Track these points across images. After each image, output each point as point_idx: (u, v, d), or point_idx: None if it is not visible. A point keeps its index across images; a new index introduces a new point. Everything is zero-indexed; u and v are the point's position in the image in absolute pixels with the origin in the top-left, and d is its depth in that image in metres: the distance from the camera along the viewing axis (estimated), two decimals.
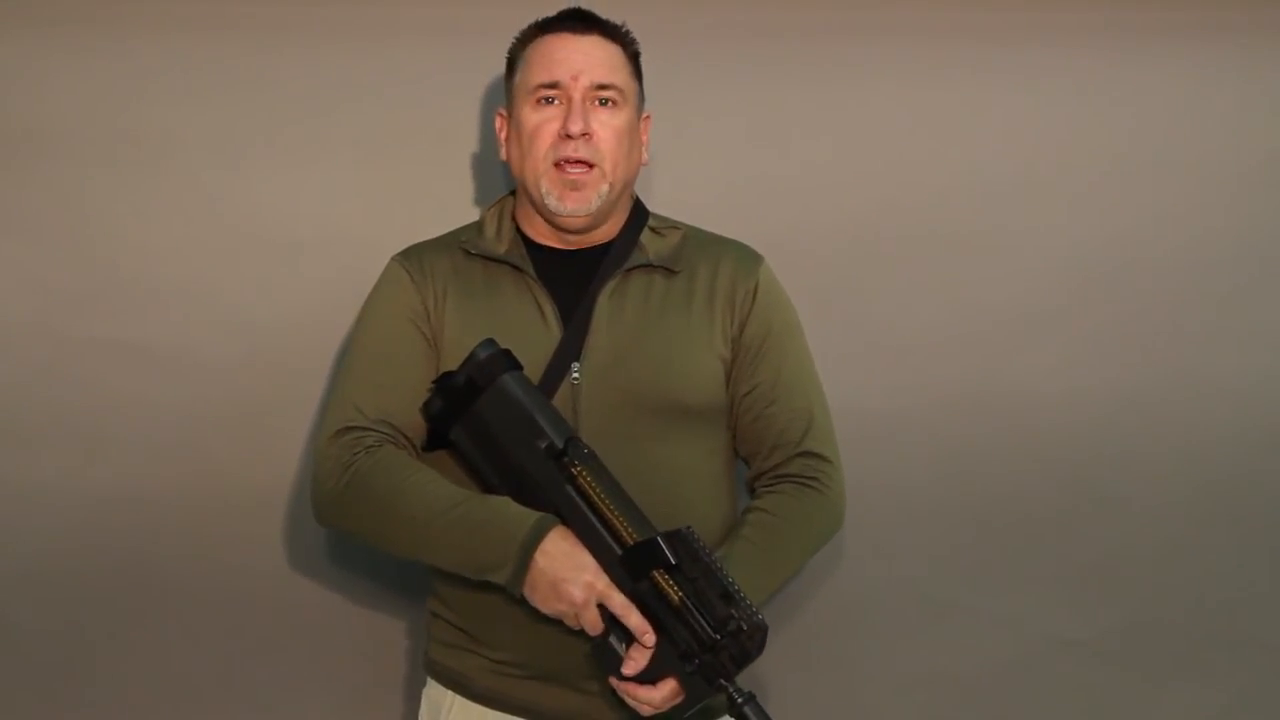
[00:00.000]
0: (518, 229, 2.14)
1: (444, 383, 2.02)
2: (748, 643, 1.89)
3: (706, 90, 2.45)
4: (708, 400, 2.08)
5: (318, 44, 2.42)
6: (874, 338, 2.50)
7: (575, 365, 2.04)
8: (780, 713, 2.39)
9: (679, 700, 1.92)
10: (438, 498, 1.98)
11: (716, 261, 2.14)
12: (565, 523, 1.94)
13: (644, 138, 2.15)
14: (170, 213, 2.39)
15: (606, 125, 2.06)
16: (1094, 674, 2.57)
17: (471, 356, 1.99)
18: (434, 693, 2.12)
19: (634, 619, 1.91)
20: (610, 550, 1.92)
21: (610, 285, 2.08)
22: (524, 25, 2.14)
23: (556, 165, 2.05)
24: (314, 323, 2.39)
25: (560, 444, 1.94)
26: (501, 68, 2.16)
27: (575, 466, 1.93)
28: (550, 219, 2.09)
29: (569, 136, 2.04)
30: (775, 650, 2.46)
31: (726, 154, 2.48)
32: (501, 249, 2.11)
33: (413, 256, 2.14)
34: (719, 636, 1.88)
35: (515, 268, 2.09)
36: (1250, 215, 2.57)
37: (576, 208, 2.06)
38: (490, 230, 2.14)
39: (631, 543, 1.90)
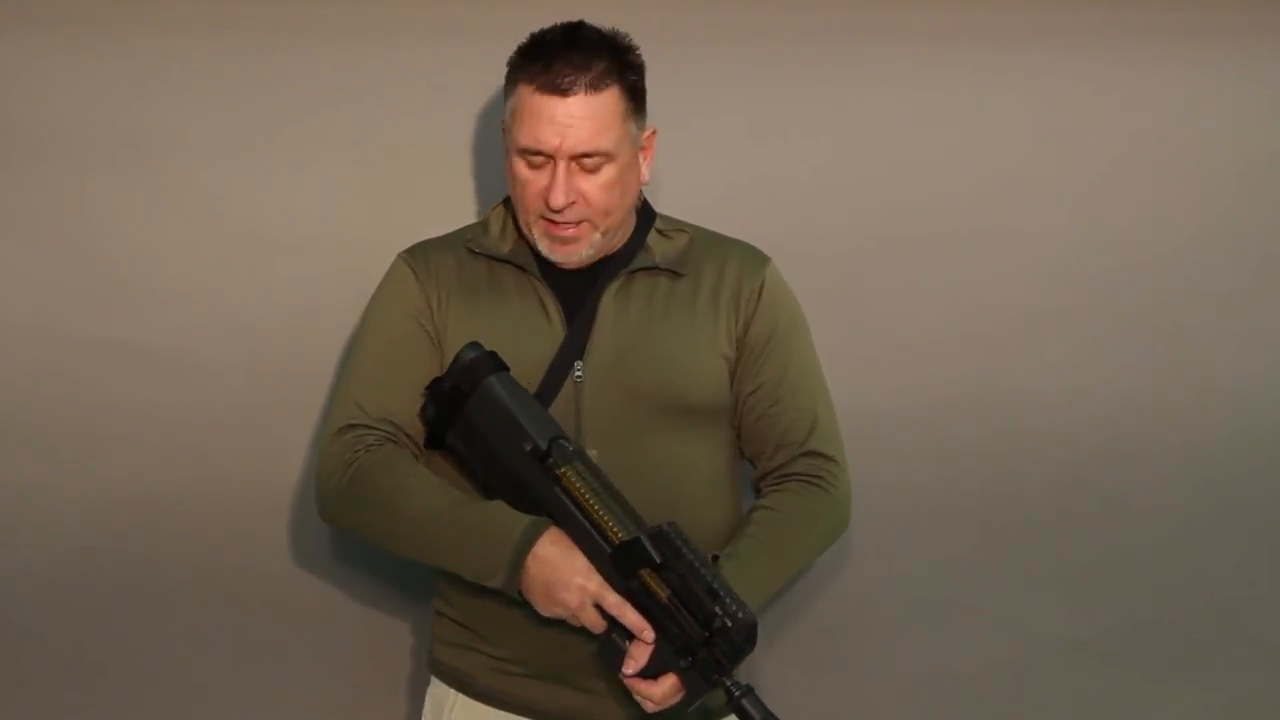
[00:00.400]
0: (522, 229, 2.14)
1: (434, 389, 2.02)
2: (736, 638, 1.88)
3: (706, 91, 2.45)
4: (711, 399, 2.08)
5: (318, 44, 2.41)
6: (874, 338, 2.50)
7: (578, 364, 2.04)
8: (780, 712, 2.39)
9: (680, 696, 1.92)
10: (433, 501, 1.98)
11: (723, 262, 2.13)
12: (558, 524, 1.94)
13: (647, 155, 2.12)
14: (170, 213, 2.39)
15: (593, 184, 2.03)
16: (1094, 674, 2.57)
17: (457, 360, 2.00)
18: (437, 691, 2.12)
19: (630, 617, 1.91)
20: (601, 550, 1.92)
21: (615, 286, 2.08)
22: (525, 26, 2.09)
23: (544, 219, 2.05)
24: (314, 323, 2.38)
25: (544, 445, 1.94)
26: (501, 69, 2.15)
27: (559, 468, 1.93)
28: None
29: (552, 208, 2.02)
30: (775, 649, 2.48)
31: (726, 154, 2.48)
32: (506, 248, 2.11)
33: (418, 254, 2.13)
34: (708, 633, 1.88)
35: (520, 267, 2.09)
36: (1250, 215, 2.57)
37: (567, 258, 2.06)
38: (495, 229, 2.14)
39: (617, 543, 1.91)
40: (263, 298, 2.40)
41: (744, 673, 2.15)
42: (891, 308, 2.51)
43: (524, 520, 1.95)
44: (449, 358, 2.06)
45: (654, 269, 2.10)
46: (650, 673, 1.92)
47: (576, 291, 2.08)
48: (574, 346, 2.05)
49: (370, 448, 2.03)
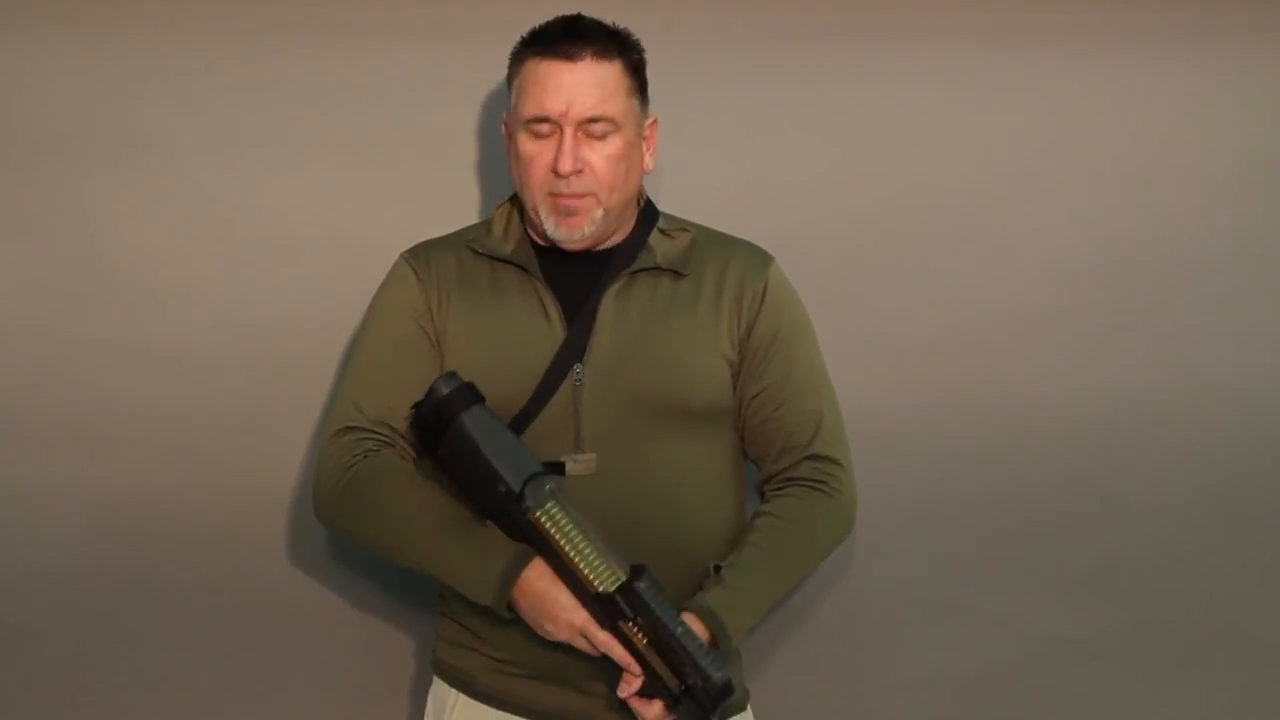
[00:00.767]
0: (526, 229, 2.14)
1: (416, 412, 2.01)
2: (704, 699, 1.89)
3: (706, 90, 2.45)
4: (712, 401, 2.08)
5: (318, 44, 2.41)
6: (874, 338, 2.50)
7: (578, 366, 2.04)
8: (780, 712, 2.39)
9: (673, 717, 1.94)
10: (424, 520, 1.99)
11: (725, 262, 2.13)
12: (543, 556, 1.94)
13: (650, 143, 2.13)
14: (170, 213, 2.39)
15: (599, 154, 2.04)
16: (1094, 674, 2.57)
17: (432, 391, 1.97)
18: (439, 691, 2.12)
19: (617, 652, 1.92)
20: (584, 590, 1.92)
21: (616, 287, 2.08)
22: (526, 26, 2.11)
23: (550, 195, 2.05)
24: (314, 323, 2.38)
25: (517, 488, 1.92)
26: (501, 69, 2.15)
27: (534, 513, 1.91)
28: (550, 241, 2.10)
29: (560, 174, 2.03)
30: (776, 649, 2.48)
31: (726, 155, 2.47)
32: (508, 248, 2.11)
33: (420, 254, 2.14)
34: (684, 686, 1.89)
35: (521, 268, 2.09)
36: (1250, 216, 2.57)
37: (571, 233, 2.06)
38: (499, 229, 2.14)
39: (594, 592, 1.90)
40: (263, 298, 2.40)
41: (745, 672, 2.15)
42: (892, 308, 2.50)
43: (509, 551, 1.95)
44: (449, 358, 2.06)
45: (656, 269, 2.10)
46: (645, 693, 1.93)
47: (578, 293, 2.07)
48: (573, 348, 2.04)
49: (368, 453, 2.03)
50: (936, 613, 2.53)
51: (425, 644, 2.35)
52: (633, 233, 2.13)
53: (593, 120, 2.03)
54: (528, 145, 2.05)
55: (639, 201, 2.15)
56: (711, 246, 2.15)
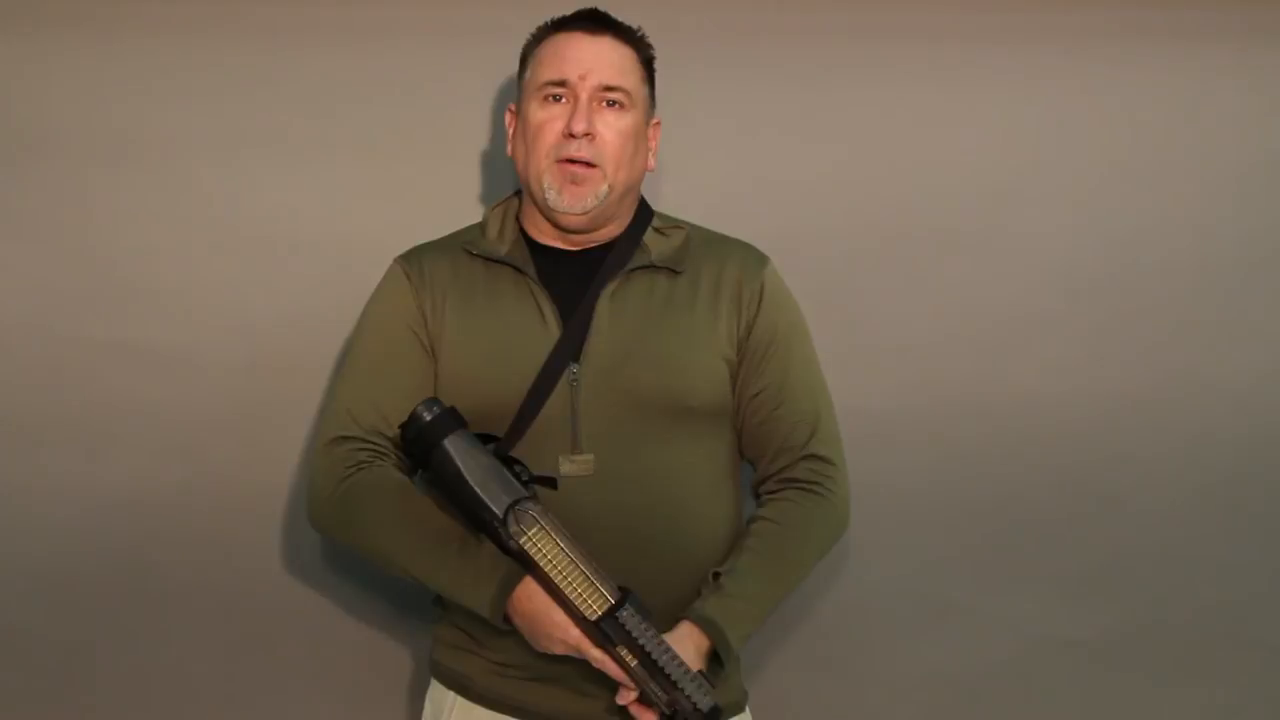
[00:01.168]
0: (521, 229, 2.14)
1: (403, 432, 2.00)
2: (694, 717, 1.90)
3: (706, 91, 2.45)
4: (710, 401, 2.07)
5: (318, 44, 2.41)
6: (874, 338, 2.50)
7: (574, 366, 2.04)
8: (780, 712, 2.39)
9: None
10: (418, 536, 1.99)
11: (722, 262, 2.13)
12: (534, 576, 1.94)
13: (652, 144, 2.14)
14: (170, 213, 2.39)
15: (611, 127, 2.05)
16: (1094, 674, 2.57)
17: (414, 418, 1.96)
18: (436, 694, 2.12)
19: (611, 669, 1.93)
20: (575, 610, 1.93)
21: (612, 286, 2.08)
22: (526, 26, 2.13)
23: (559, 162, 2.05)
24: (314, 323, 2.38)
25: (500, 514, 1.92)
26: (503, 68, 2.16)
27: (519, 539, 1.91)
28: (549, 215, 2.09)
29: (572, 135, 2.04)
30: (776, 649, 2.48)
31: (726, 155, 2.47)
32: (503, 250, 2.11)
33: (414, 258, 2.13)
34: (671, 712, 1.90)
35: (516, 269, 2.09)
36: (1250, 216, 2.57)
37: (573, 204, 2.06)
38: (493, 230, 2.14)
39: (582, 616, 1.91)
40: (263, 298, 2.40)
41: (744, 673, 2.15)
42: (892, 308, 2.50)
43: (501, 568, 1.95)
44: (445, 362, 2.06)
45: (651, 267, 2.10)
46: (644, 701, 1.93)
47: (574, 293, 2.07)
48: (568, 349, 2.04)
49: (361, 465, 2.03)
50: (935, 613, 2.53)
51: (423, 646, 2.35)
52: (627, 231, 2.12)
53: (609, 89, 2.05)
54: (539, 113, 2.06)
55: (634, 201, 2.15)
56: (707, 245, 2.15)
